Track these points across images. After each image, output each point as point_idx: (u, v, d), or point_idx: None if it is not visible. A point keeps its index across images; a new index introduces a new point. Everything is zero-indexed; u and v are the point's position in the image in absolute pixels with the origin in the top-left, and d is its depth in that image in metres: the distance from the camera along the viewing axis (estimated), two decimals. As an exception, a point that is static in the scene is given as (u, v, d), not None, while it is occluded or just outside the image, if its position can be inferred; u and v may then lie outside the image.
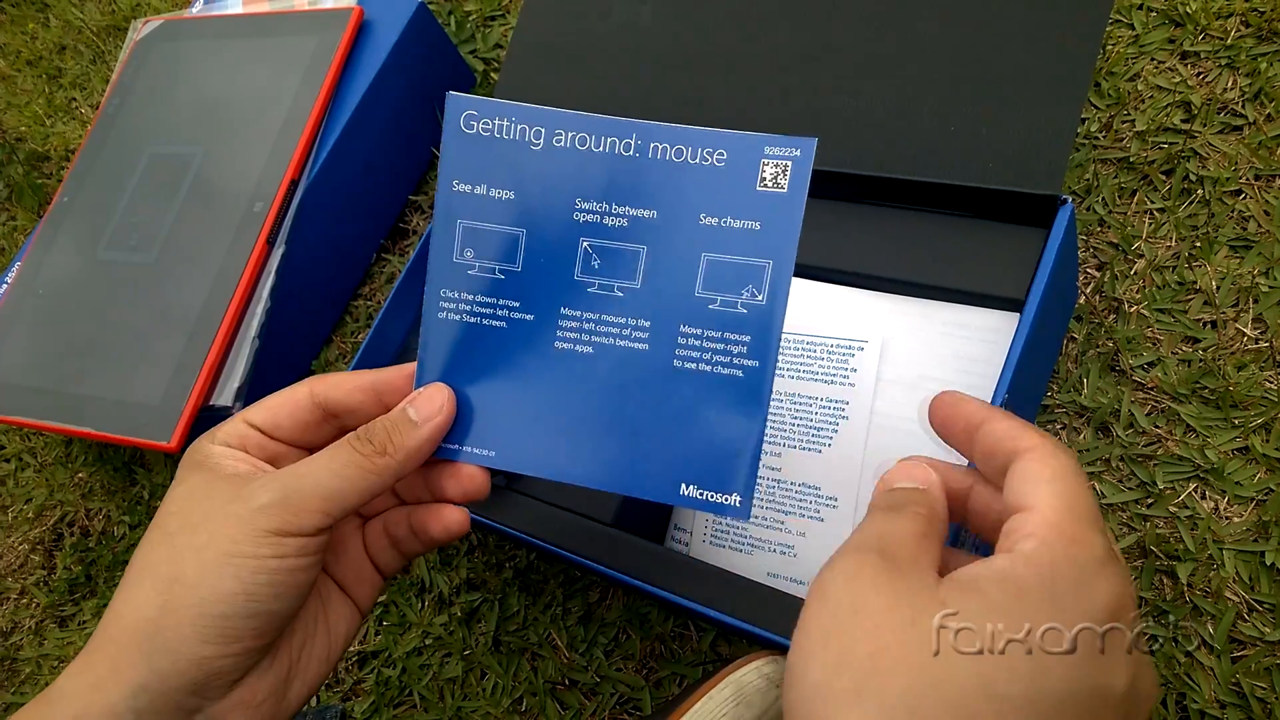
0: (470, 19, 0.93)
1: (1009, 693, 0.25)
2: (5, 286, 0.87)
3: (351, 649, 0.69)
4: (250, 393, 0.73)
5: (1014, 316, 0.49)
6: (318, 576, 0.38)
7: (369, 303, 0.85)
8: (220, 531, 0.34)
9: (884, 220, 0.53)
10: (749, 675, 0.45)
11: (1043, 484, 0.29)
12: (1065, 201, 0.47)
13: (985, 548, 0.32)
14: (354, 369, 0.65)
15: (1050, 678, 0.25)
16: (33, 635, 0.83)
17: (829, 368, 0.52)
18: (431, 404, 0.38)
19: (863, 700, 0.25)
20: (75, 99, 1.20)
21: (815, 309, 0.54)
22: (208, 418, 0.71)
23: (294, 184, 0.74)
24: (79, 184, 0.85)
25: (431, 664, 0.66)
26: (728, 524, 0.53)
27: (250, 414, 0.39)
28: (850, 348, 0.52)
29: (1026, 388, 0.50)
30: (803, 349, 0.53)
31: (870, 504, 0.33)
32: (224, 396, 0.71)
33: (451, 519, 0.41)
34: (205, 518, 0.35)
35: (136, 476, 0.86)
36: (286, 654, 0.38)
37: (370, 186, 0.82)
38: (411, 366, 0.40)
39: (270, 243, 0.73)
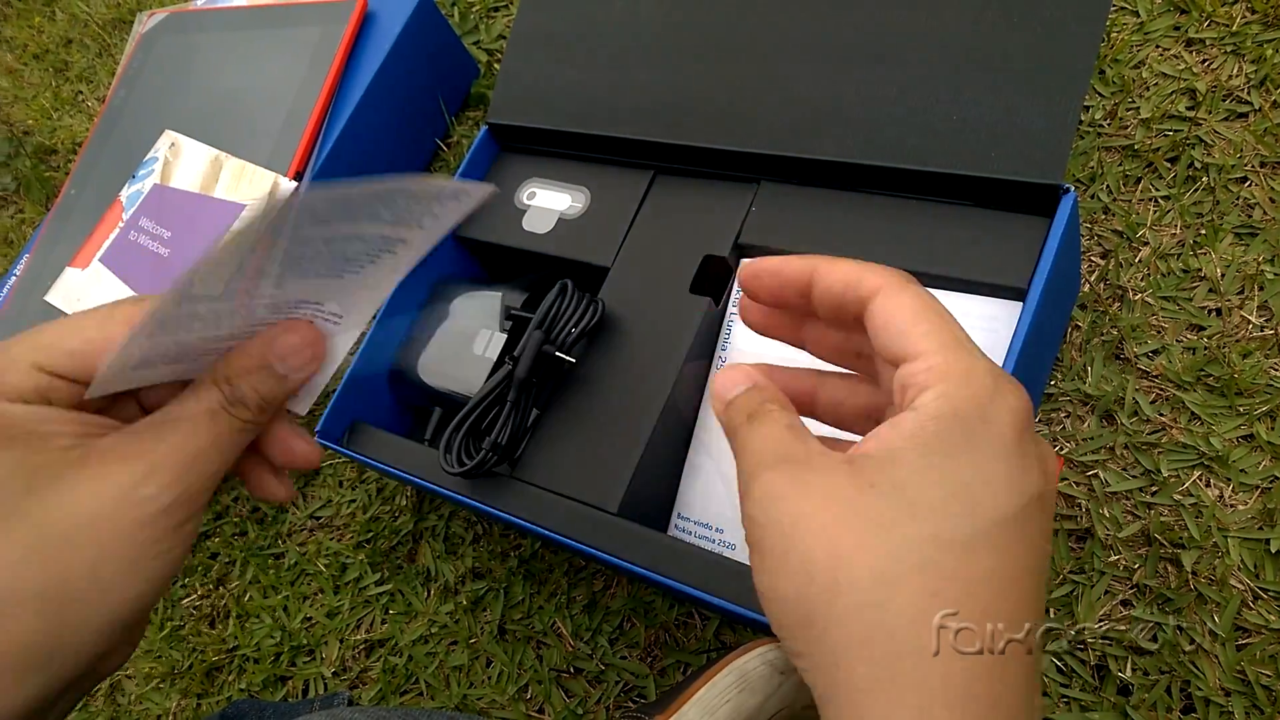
0: (473, 10, 0.93)
1: (962, 539, 0.26)
2: (14, 279, 0.88)
3: (358, 637, 0.69)
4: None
5: (1017, 305, 0.49)
6: None
7: (374, 294, 0.85)
8: (115, 543, 0.29)
9: (886, 210, 0.53)
10: (752, 662, 0.45)
11: (909, 327, 0.29)
12: (1068, 190, 0.47)
13: None
14: (357, 362, 0.65)
15: (983, 515, 0.27)
16: (43, 625, 0.84)
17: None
18: (301, 356, 0.33)
19: (841, 594, 0.26)
20: (82, 92, 1.21)
21: None
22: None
23: (299, 175, 0.74)
24: (86, 176, 0.85)
25: (437, 652, 0.66)
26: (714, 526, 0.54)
27: (43, 359, 0.31)
28: None
29: (1030, 376, 0.50)
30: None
31: (726, 428, 0.32)
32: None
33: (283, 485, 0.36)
34: (76, 525, 0.29)
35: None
36: None
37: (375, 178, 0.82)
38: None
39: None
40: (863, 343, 0.31)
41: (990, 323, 0.49)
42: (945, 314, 0.29)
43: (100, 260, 0.78)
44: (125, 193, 0.80)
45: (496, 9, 0.93)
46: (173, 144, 0.80)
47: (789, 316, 0.35)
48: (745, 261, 0.35)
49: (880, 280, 0.30)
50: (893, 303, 0.29)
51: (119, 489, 0.29)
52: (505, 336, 0.62)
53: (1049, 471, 0.28)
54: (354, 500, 0.75)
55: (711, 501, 0.54)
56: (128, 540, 0.29)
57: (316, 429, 0.64)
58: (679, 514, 0.55)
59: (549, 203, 0.65)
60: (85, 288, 0.77)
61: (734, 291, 0.56)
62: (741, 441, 0.31)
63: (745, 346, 0.54)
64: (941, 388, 0.27)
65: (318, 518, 0.76)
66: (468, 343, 0.63)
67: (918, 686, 0.25)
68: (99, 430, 0.31)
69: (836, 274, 0.31)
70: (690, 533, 0.54)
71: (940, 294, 0.51)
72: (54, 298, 0.79)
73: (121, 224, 0.78)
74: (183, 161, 0.79)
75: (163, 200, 0.78)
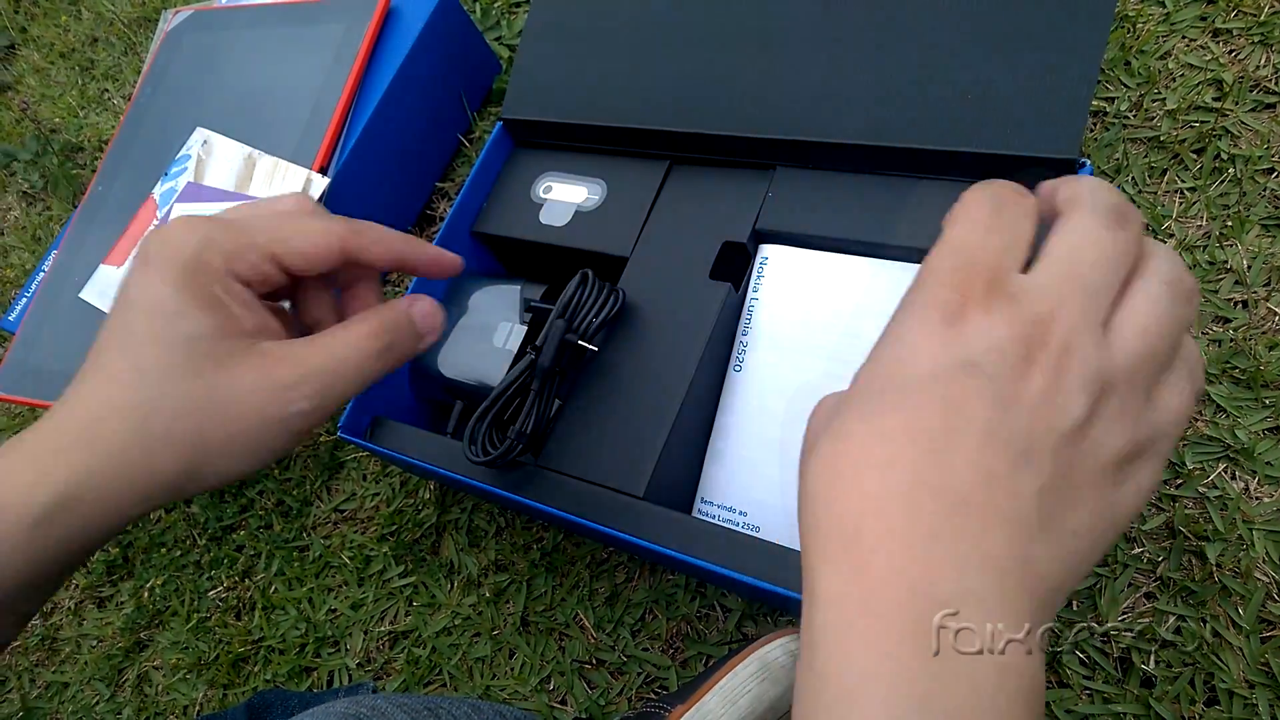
0: (495, 5, 0.93)
1: (874, 391, 0.29)
2: (42, 275, 0.89)
3: (382, 628, 0.70)
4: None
5: None
6: None
7: (397, 289, 0.86)
8: (255, 428, 0.35)
9: (903, 190, 0.53)
10: (774, 652, 0.46)
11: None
12: (1084, 164, 0.47)
13: None
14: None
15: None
16: (72, 615, 0.85)
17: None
18: (431, 321, 0.41)
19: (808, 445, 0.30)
20: (108, 90, 1.22)
21: (830, 280, 0.54)
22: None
23: (323, 170, 0.75)
24: (112, 173, 0.86)
25: (461, 644, 0.67)
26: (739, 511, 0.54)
27: (279, 251, 0.37)
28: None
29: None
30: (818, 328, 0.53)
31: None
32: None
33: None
34: (232, 399, 0.35)
35: (171, 461, 0.87)
36: None
37: (397, 174, 0.83)
38: (432, 251, 0.42)
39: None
40: None
41: None
42: (974, 207, 0.31)
43: (132, 257, 0.79)
44: (158, 190, 0.81)
45: (518, 5, 0.93)
46: (205, 141, 0.81)
47: None
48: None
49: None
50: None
51: (274, 387, 0.35)
52: (525, 329, 0.62)
53: (994, 343, 0.27)
54: (377, 494, 0.76)
55: (735, 485, 0.54)
56: (262, 428, 0.35)
57: (340, 424, 0.64)
58: (702, 498, 0.55)
59: (566, 195, 0.65)
60: (118, 284, 0.79)
61: (754, 276, 0.56)
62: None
63: (768, 330, 0.54)
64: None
65: (342, 511, 0.77)
66: (488, 336, 0.64)
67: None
68: (272, 328, 0.37)
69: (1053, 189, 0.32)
70: (715, 516, 0.54)
71: None
72: (89, 295, 0.80)
73: (156, 221, 0.79)
74: (215, 159, 0.80)
75: (198, 197, 0.79)
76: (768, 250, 0.56)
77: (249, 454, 0.35)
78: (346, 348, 0.37)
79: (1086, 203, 0.29)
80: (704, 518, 0.54)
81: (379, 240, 0.40)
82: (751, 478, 0.53)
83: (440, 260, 0.42)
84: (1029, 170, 0.49)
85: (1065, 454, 0.27)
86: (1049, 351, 0.27)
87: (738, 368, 0.55)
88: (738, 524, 0.53)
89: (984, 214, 0.30)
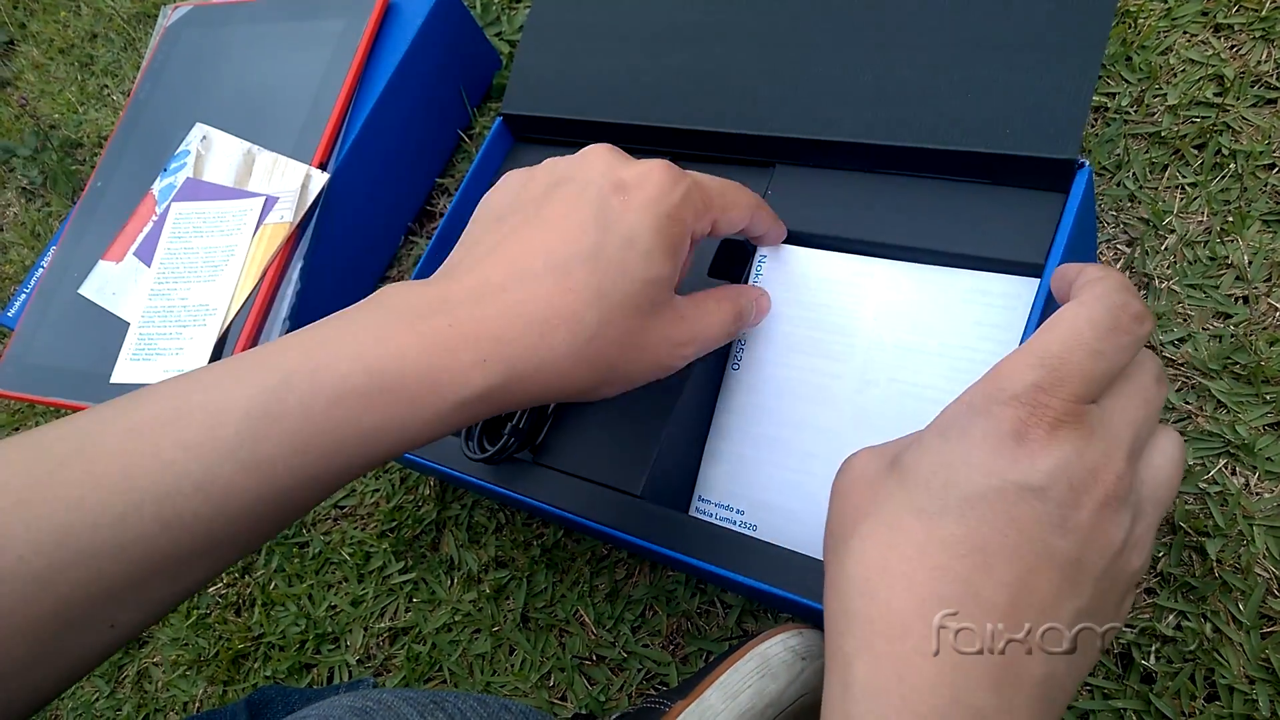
0: (495, 1, 0.93)
1: (932, 509, 0.30)
2: (41, 271, 0.89)
3: (382, 625, 0.70)
4: (281, 373, 0.74)
5: (1034, 282, 0.48)
6: None
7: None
8: (648, 367, 0.40)
9: (902, 189, 0.53)
10: (774, 648, 0.46)
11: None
12: (1083, 165, 0.47)
13: None
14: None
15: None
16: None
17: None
18: (761, 315, 0.51)
19: (844, 541, 0.32)
20: (107, 86, 1.22)
21: (829, 278, 0.54)
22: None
23: (323, 166, 0.75)
24: (112, 170, 0.86)
25: (461, 640, 0.67)
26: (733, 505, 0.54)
27: (720, 218, 0.43)
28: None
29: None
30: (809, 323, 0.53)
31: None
32: (255, 377, 0.72)
33: None
34: (645, 344, 0.39)
35: (171, 457, 0.87)
36: None
37: (397, 169, 0.83)
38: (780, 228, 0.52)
39: (300, 226, 0.74)
40: None
41: (1010, 301, 0.49)
42: (1082, 325, 0.30)
43: (135, 253, 0.79)
44: (157, 186, 0.81)
45: (518, 0, 0.93)
46: (204, 137, 0.81)
47: None
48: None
49: (1084, 281, 0.33)
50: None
51: (674, 341, 0.40)
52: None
53: (1065, 472, 0.28)
54: (377, 490, 0.76)
55: (733, 483, 0.54)
56: (653, 369, 0.40)
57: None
58: (700, 496, 0.55)
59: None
60: (120, 280, 0.78)
61: (753, 273, 0.56)
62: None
63: (766, 328, 0.54)
64: (977, 383, 0.30)
65: (342, 507, 0.77)
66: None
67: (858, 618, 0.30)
68: (674, 288, 0.41)
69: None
70: (711, 515, 0.54)
71: (959, 272, 0.51)
72: (88, 290, 0.80)
73: (155, 217, 0.79)
74: (214, 154, 0.80)
75: (197, 194, 0.78)
76: (765, 252, 0.55)
77: (629, 384, 0.40)
78: (718, 318, 0.43)
79: (1146, 359, 0.33)
80: (701, 515, 0.54)
81: (766, 217, 0.47)
82: (749, 476, 0.53)
83: (782, 233, 0.52)
84: (1028, 170, 0.48)
85: (1104, 580, 0.29)
86: (1105, 487, 0.29)
87: (736, 366, 0.55)
88: (735, 522, 0.53)
89: (1095, 335, 0.30)
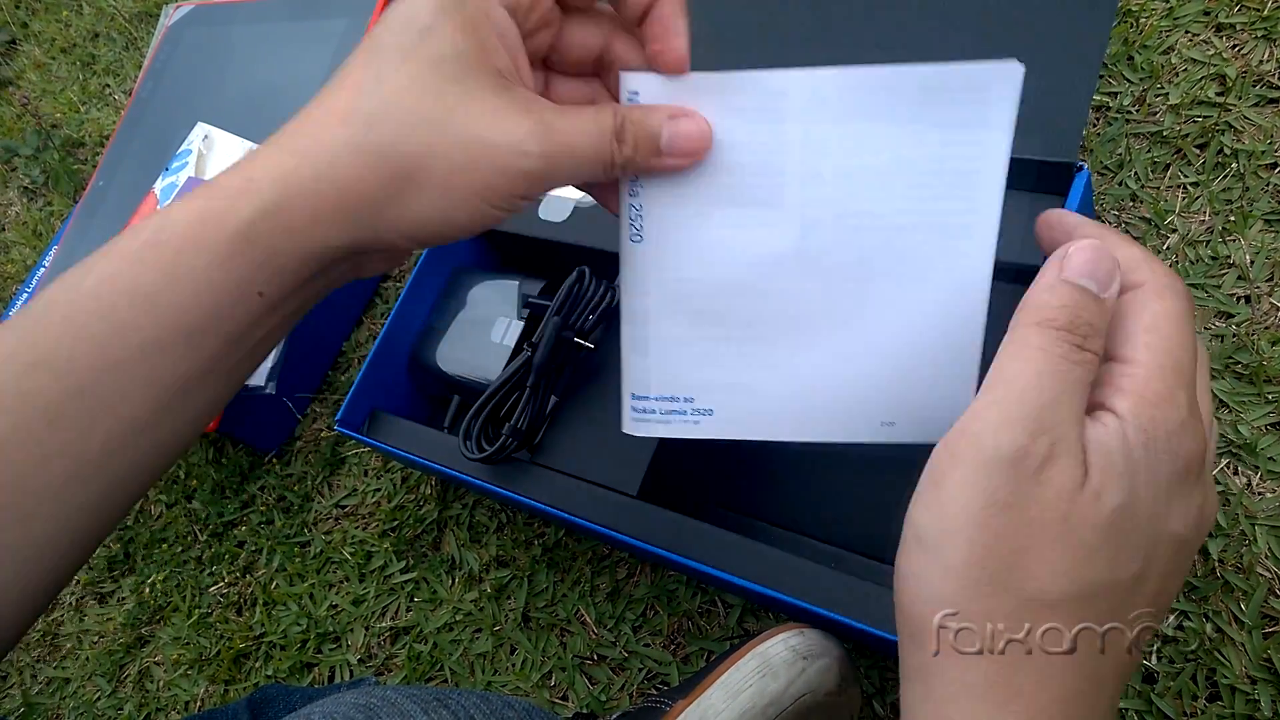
0: None
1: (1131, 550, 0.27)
2: (43, 270, 0.89)
3: (384, 624, 0.70)
4: (282, 373, 0.74)
5: (1007, 66, 0.48)
6: None
7: (398, 284, 0.85)
8: (479, 169, 0.33)
9: None
10: (775, 647, 0.45)
11: (1140, 334, 0.29)
12: (1081, 168, 0.47)
13: None
14: (376, 351, 0.66)
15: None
16: (73, 611, 0.85)
17: None
18: (687, 144, 0.36)
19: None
20: (109, 85, 1.22)
21: (731, 108, 0.41)
22: (241, 396, 0.72)
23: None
24: (113, 169, 0.86)
25: (462, 639, 0.67)
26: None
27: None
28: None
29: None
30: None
31: (1039, 302, 0.29)
32: (257, 377, 0.72)
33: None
34: (465, 132, 0.33)
35: (172, 456, 0.87)
36: None
37: (399, 168, 0.83)
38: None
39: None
40: None
41: (975, 92, 0.44)
42: (1182, 335, 0.29)
43: (130, 251, 0.79)
44: (159, 185, 0.81)
45: None
46: (206, 136, 0.81)
47: None
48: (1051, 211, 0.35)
49: (1148, 277, 0.30)
50: (1140, 305, 0.29)
51: (508, 131, 0.33)
52: (523, 324, 0.62)
53: (1205, 517, 0.29)
54: (379, 489, 0.76)
55: (668, 372, 0.43)
56: (485, 175, 0.33)
57: (337, 418, 0.64)
58: (633, 396, 0.43)
59: (565, 191, 0.65)
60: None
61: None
62: (1043, 353, 0.29)
63: (663, 187, 0.41)
64: (1139, 405, 0.28)
65: (343, 506, 0.77)
66: (485, 330, 0.64)
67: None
68: (526, 78, 0.35)
69: (1123, 251, 0.31)
70: (653, 413, 0.43)
71: (899, 70, 0.44)
72: (84, 288, 0.80)
73: (150, 215, 0.79)
74: (216, 153, 0.80)
75: (190, 191, 0.79)
76: (635, 81, 0.39)
77: (462, 199, 0.33)
78: (588, 122, 0.34)
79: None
80: (641, 418, 0.43)
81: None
82: (688, 359, 0.42)
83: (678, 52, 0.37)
84: (1027, 173, 0.48)
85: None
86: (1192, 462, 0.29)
87: (636, 238, 0.42)
88: (685, 414, 0.43)
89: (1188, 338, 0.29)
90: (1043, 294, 0.29)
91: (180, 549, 0.82)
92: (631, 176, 0.38)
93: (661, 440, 0.52)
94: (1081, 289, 0.29)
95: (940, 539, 0.27)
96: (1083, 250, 0.29)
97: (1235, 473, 0.52)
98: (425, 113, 0.32)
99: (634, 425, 0.42)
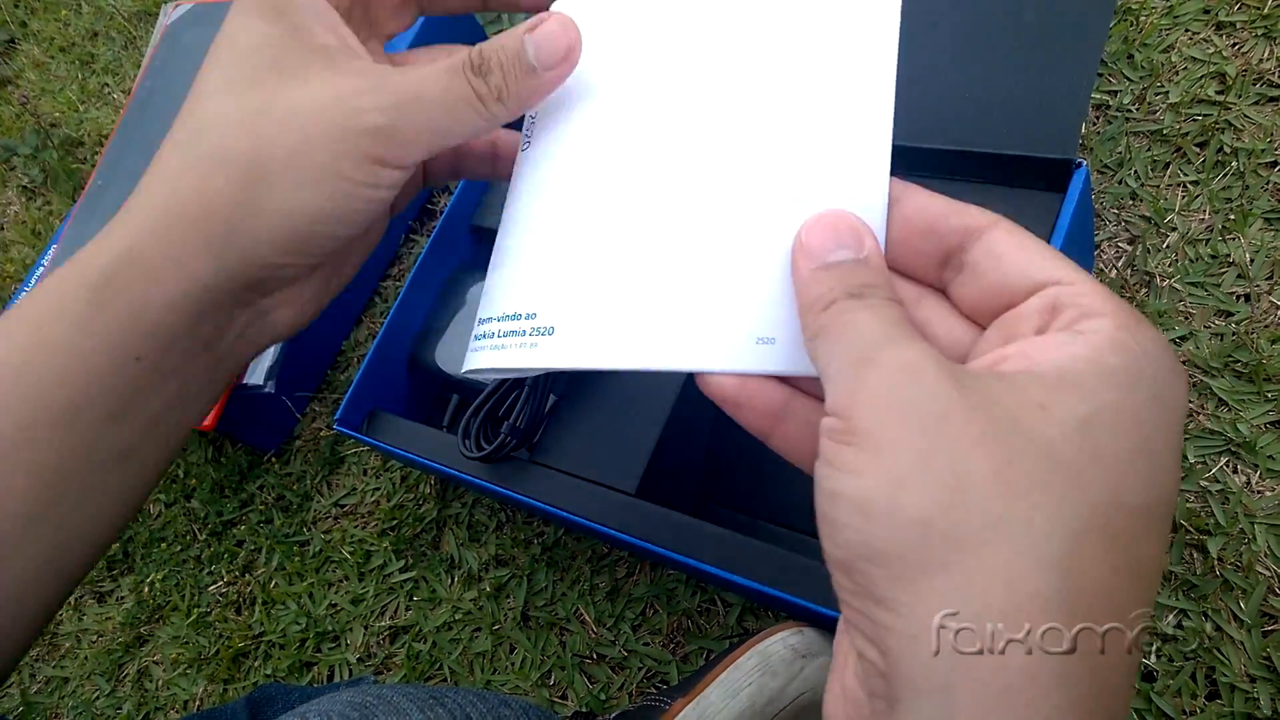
0: None
1: (1142, 507, 0.22)
2: (42, 269, 0.89)
3: (383, 623, 0.70)
4: (281, 372, 0.74)
5: None
6: None
7: (398, 283, 0.85)
8: (318, 140, 0.30)
9: None
10: (774, 645, 0.45)
11: (1053, 258, 0.25)
12: (1080, 165, 0.47)
13: None
14: (375, 350, 0.66)
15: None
16: (72, 610, 0.85)
17: None
18: (555, 46, 0.31)
19: (1015, 532, 0.21)
20: (108, 84, 1.22)
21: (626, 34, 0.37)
22: (240, 395, 0.72)
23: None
24: (112, 168, 0.86)
25: (461, 638, 0.67)
26: None
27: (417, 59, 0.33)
28: None
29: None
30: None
31: (811, 298, 0.26)
32: (256, 375, 0.72)
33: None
34: (294, 109, 0.30)
35: (171, 455, 0.87)
36: (338, 257, 0.36)
37: (398, 167, 0.82)
38: None
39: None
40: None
41: None
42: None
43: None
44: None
45: (518, -2, 0.93)
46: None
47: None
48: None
49: (992, 216, 0.27)
50: (1021, 235, 0.26)
51: (343, 94, 0.30)
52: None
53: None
54: (378, 488, 0.76)
55: (520, 283, 0.35)
56: (328, 142, 0.30)
57: (336, 417, 0.64)
58: (479, 321, 0.36)
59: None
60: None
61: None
62: (845, 318, 0.24)
63: (565, 93, 0.35)
64: (1119, 320, 0.23)
65: (342, 505, 0.77)
66: (489, 330, 0.63)
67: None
68: (354, 48, 0.32)
69: (930, 199, 0.28)
70: (494, 335, 0.35)
71: None
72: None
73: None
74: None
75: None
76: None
77: (314, 180, 0.30)
78: (435, 66, 0.31)
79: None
80: (484, 344, 0.35)
81: None
82: (544, 273, 0.34)
83: None
84: (1026, 170, 0.48)
85: None
86: None
87: (525, 144, 0.37)
88: (524, 331, 0.34)
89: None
90: (804, 298, 0.26)
91: (179, 548, 0.82)
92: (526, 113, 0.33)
93: (661, 439, 0.52)
94: (833, 265, 0.26)
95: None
96: (812, 228, 0.27)
97: (1235, 471, 0.52)
98: (247, 104, 0.30)
99: (470, 359, 0.35)
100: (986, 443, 0.21)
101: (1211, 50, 0.62)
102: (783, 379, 0.29)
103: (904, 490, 0.21)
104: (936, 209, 0.27)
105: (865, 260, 0.26)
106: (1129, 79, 0.64)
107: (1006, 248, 0.26)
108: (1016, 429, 0.21)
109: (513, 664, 0.64)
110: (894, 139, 0.44)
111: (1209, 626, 0.49)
